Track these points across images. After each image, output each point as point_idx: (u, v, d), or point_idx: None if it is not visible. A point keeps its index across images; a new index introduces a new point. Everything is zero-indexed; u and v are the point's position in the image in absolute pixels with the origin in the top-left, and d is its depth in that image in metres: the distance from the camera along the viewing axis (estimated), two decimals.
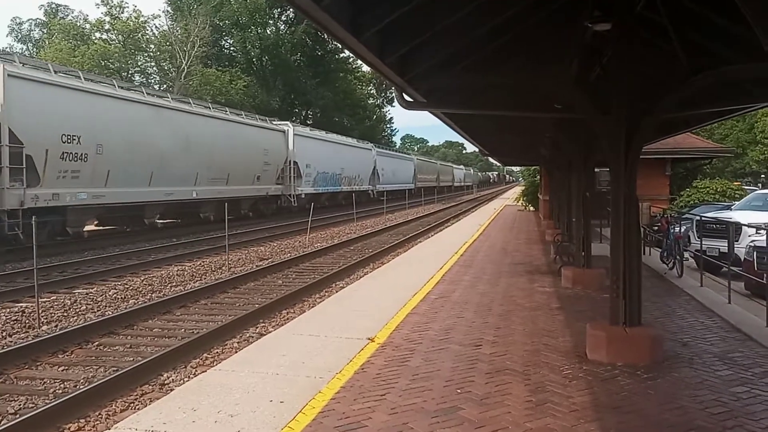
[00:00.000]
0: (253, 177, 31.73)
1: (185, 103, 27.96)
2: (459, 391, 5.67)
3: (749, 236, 13.16)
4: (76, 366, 7.99)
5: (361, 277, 14.30)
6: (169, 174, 24.27)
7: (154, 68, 57.89)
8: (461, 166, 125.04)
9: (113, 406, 6.62)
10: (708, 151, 27.00)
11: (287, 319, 10.44)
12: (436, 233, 26.31)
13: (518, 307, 9.59)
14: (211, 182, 27.59)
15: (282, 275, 15.55)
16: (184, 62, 51.40)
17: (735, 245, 13.71)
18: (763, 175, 61.91)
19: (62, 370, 7.86)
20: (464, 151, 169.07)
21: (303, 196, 37.10)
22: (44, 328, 9.99)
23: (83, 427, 6.13)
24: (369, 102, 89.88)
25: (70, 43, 52.03)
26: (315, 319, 8.98)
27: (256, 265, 16.94)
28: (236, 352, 8.09)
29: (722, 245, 14.23)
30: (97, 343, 9.11)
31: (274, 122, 36.86)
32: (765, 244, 9.58)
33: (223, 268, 16.49)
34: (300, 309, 11.45)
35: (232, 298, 12.67)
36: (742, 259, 12.43)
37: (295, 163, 36.07)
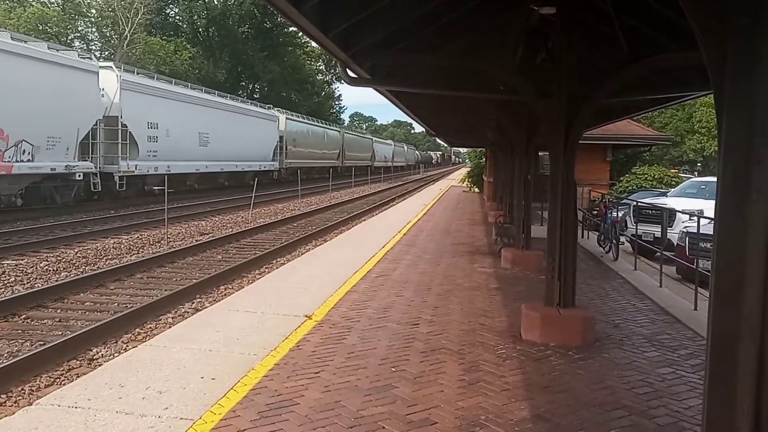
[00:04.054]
0: None
1: None
2: (393, 369, 5.67)
3: (682, 222, 13.56)
4: (1, 339, 7.70)
5: (302, 254, 14.19)
6: None
7: (96, 34, 55.93)
8: (389, 141, 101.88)
9: (37, 382, 6.42)
10: (648, 139, 27.67)
11: (225, 294, 10.28)
12: (381, 211, 26.32)
13: (457, 287, 9.65)
14: None
15: (222, 250, 15.31)
16: (127, 29, 49.68)
17: (669, 231, 14.12)
18: (699, 164, 63.92)
19: None
20: (413, 131, 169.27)
21: None
22: None
23: (4, 402, 5.92)
24: (318, 78, 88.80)
25: (6, 4, 49.73)
26: (253, 295, 8.85)
27: (196, 240, 16.66)
28: (170, 327, 7.91)
29: (657, 230, 14.65)
30: (24, 316, 8.80)
31: None
32: (697, 231, 9.88)
33: (162, 241, 16.13)
34: (239, 285, 11.29)
35: (169, 272, 12.40)
36: (675, 245, 12.81)
37: None
